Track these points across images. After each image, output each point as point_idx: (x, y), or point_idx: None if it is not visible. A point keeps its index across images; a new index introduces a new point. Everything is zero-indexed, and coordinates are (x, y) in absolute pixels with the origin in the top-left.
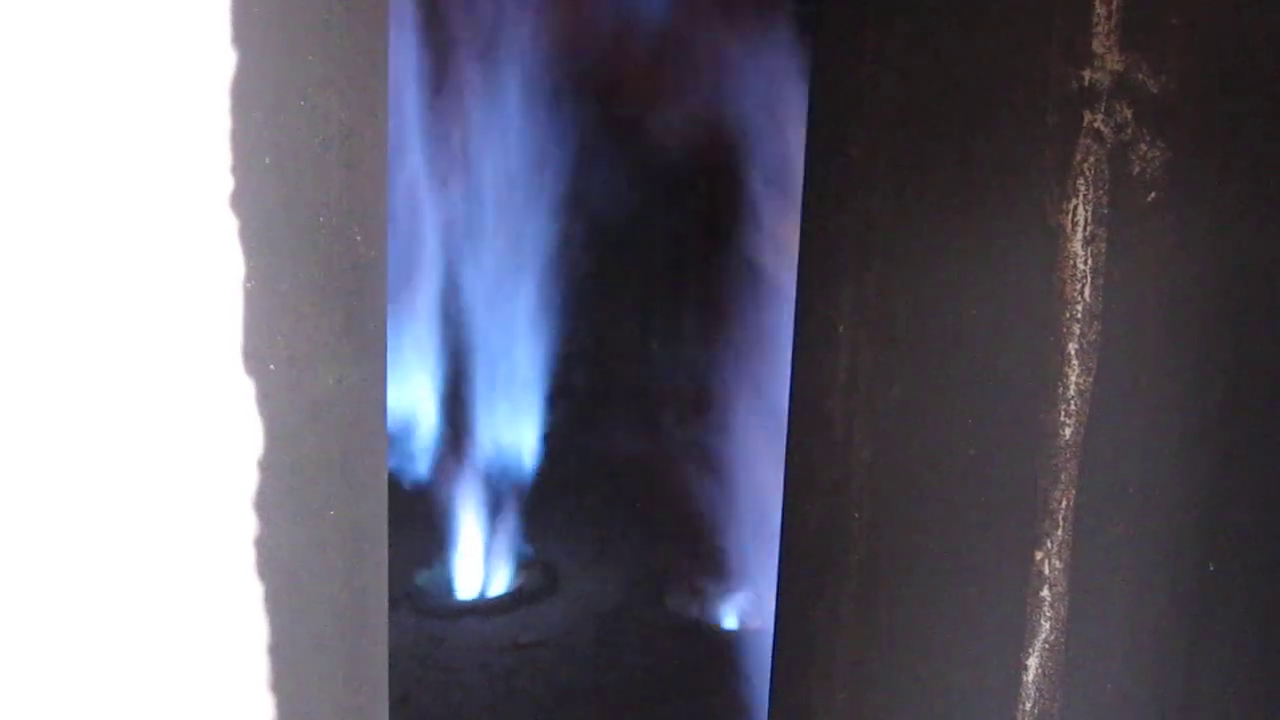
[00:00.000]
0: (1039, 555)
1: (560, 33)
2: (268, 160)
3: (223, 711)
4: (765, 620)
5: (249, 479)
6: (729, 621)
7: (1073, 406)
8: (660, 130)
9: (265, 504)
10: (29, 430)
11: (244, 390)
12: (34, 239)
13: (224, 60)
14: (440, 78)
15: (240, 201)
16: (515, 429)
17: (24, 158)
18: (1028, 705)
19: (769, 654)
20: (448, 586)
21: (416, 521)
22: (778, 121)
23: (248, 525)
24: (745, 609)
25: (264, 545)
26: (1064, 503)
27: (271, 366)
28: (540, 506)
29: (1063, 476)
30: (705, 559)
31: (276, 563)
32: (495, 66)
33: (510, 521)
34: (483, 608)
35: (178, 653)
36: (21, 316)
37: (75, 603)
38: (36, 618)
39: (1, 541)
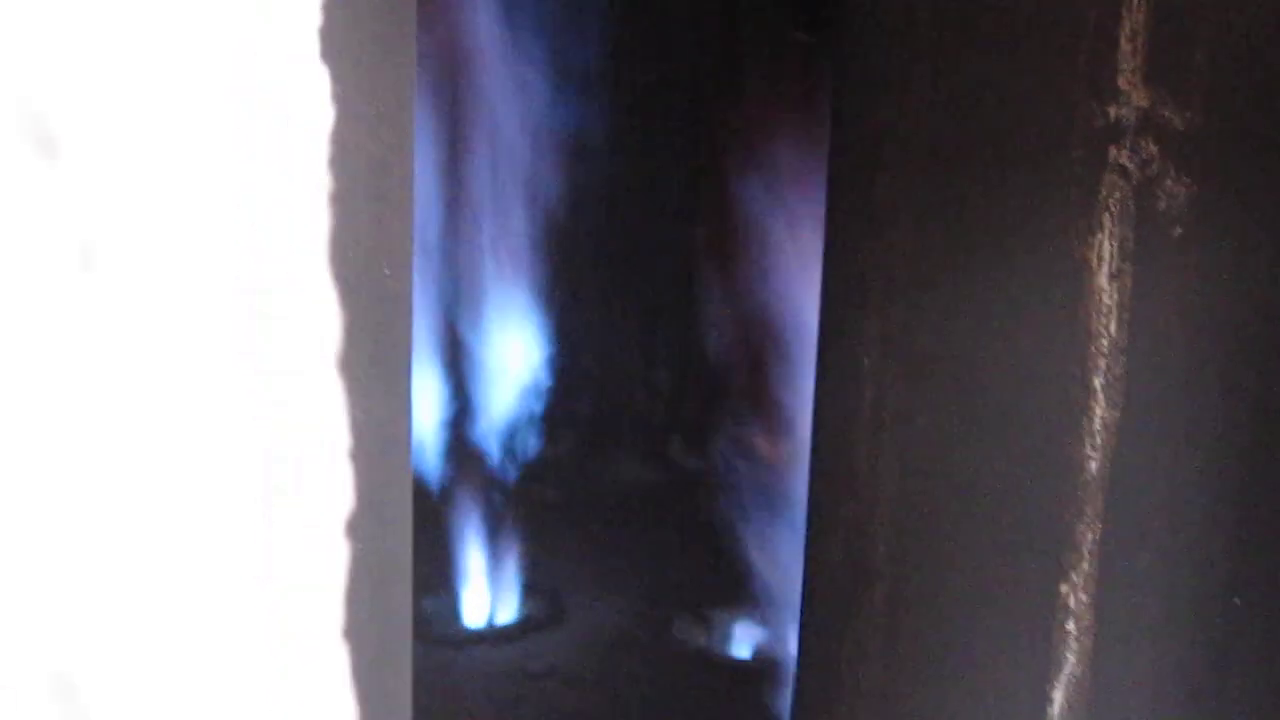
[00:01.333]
0: (1064, 589)
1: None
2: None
3: None
4: (773, 649)
5: (277, 513)
6: (736, 651)
7: (1098, 440)
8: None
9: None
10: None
11: (271, 424)
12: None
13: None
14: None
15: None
16: (522, 456)
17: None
18: None
19: (777, 683)
20: (454, 614)
21: (423, 549)
22: (793, 144)
23: (274, 560)
24: (753, 638)
25: (288, 580)
26: (1089, 536)
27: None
28: (547, 535)
29: (1088, 510)
30: (712, 588)
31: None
32: (492, 83)
33: (517, 549)
34: (490, 636)
35: (200, 690)
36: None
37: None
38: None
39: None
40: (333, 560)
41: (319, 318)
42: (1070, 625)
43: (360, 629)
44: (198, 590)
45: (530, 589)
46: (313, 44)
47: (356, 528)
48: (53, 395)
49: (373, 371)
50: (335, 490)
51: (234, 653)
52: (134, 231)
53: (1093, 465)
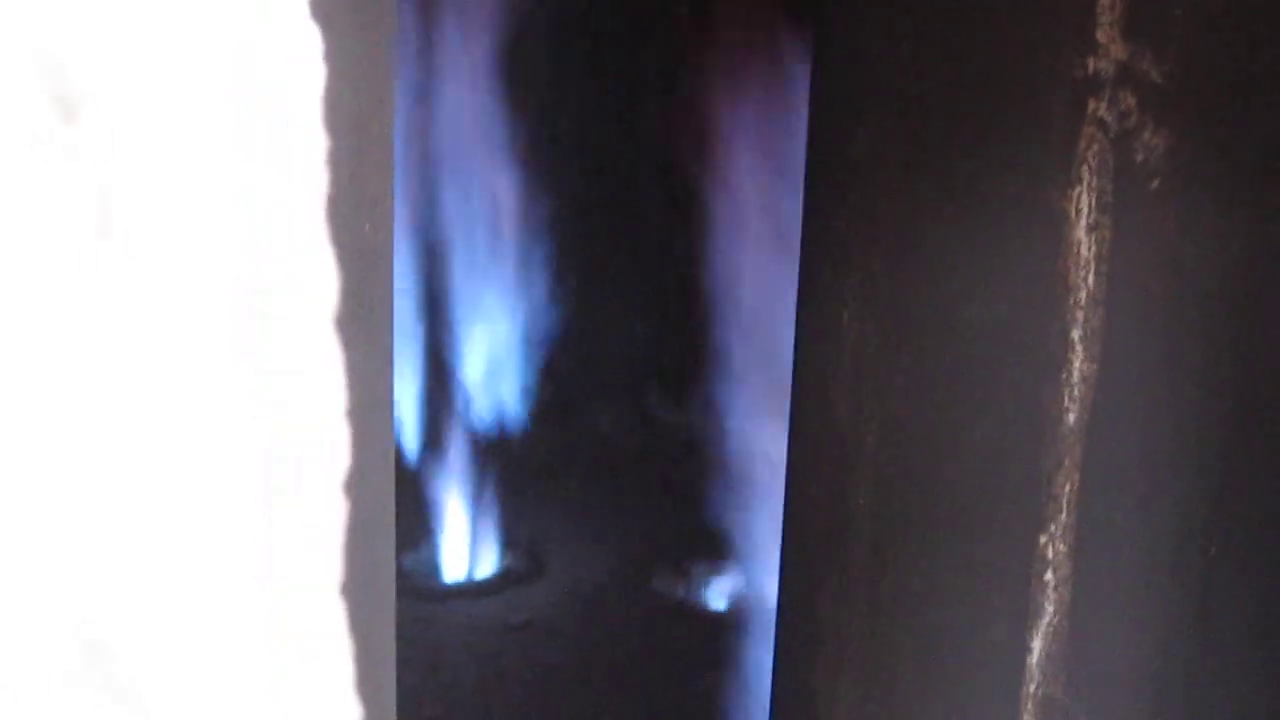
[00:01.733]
0: (1043, 539)
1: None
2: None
3: (231, 701)
4: (752, 601)
5: (253, 470)
6: (715, 603)
7: (1076, 392)
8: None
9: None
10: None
11: (250, 381)
12: None
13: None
14: (418, 46)
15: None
16: (499, 410)
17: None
18: (1031, 687)
19: (755, 635)
20: (434, 568)
21: (402, 504)
22: (774, 99)
23: (252, 516)
24: (731, 590)
25: (267, 536)
26: (1067, 487)
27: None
28: (525, 488)
29: (1066, 461)
30: (690, 541)
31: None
32: (476, 39)
33: (496, 503)
34: (470, 589)
35: (199, 688)
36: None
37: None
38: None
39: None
40: (312, 516)
41: (306, 274)
42: (1049, 575)
43: (346, 588)
44: (197, 589)
45: (510, 543)
46: (300, 2)
47: (337, 483)
48: (56, 396)
49: (352, 325)
50: (314, 446)
51: (233, 652)
52: (136, 222)
53: (1071, 417)
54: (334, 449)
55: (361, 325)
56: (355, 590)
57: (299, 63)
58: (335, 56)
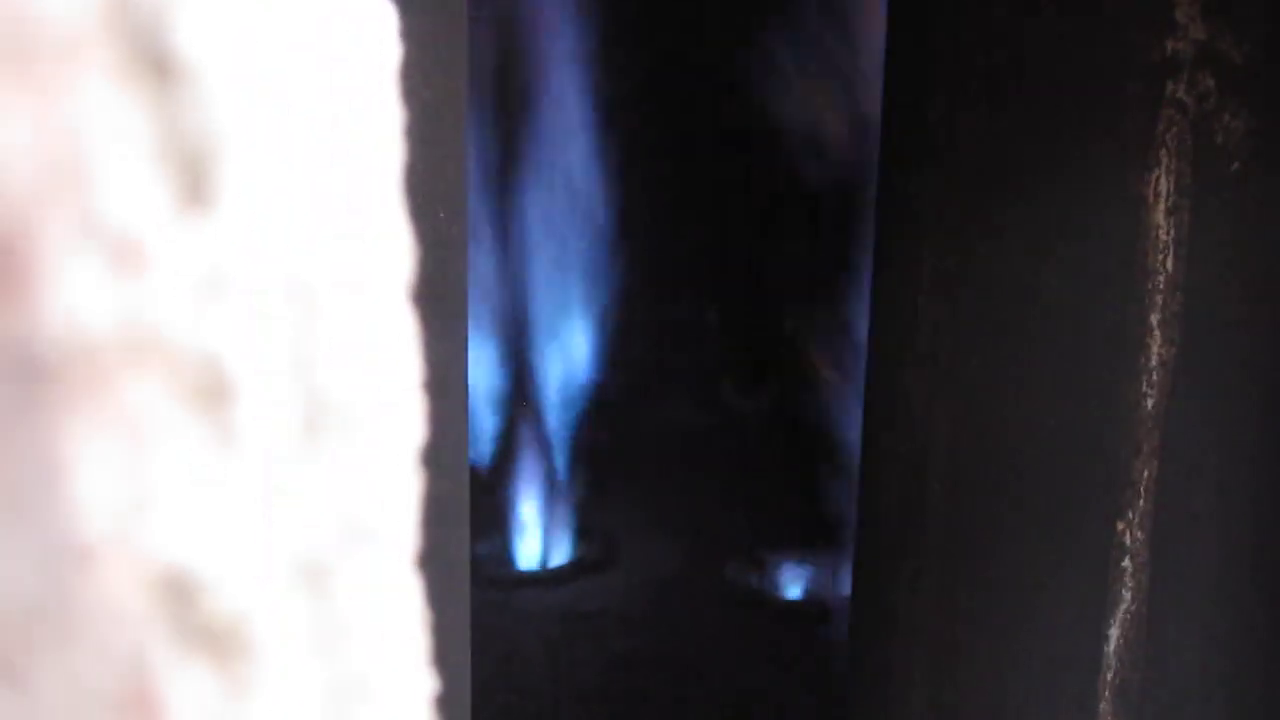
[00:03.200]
0: (1120, 525)
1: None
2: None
3: (300, 689)
4: (826, 589)
5: (331, 459)
6: (788, 591)
7: (1154, 377)
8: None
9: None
10: None
11: (325, 371)
12: None
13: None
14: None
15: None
16: (573, 398)
17: None
18: (1109, 675)
19: (829, 622)
20: (507, 557)
21: (476, 492)
22: (851, 86)
23: (328, 504)
24: (805, 578)
25: (339, 523)
26: (1145, 473)
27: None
28: (599, 477)
29: (1144, 447)
30: (764, 529)
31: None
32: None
33: (569, 491)
34: (543, 577)
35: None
36: None
37: None
38: None
39: None
40: (391, 501)
41: (385, 253)
42: (1126, 562)
43: (423, 560)
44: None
45: (583, 532)
46: None
47: (415, 470)
48: None
49: (429, 307)
50: (391, 434)
51: (281, 603)
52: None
53: (1149, 402)
54: (409, 434)
55: (436, 306)
56: (432, 563)
57: (374, 40)
58: (409, 37)
